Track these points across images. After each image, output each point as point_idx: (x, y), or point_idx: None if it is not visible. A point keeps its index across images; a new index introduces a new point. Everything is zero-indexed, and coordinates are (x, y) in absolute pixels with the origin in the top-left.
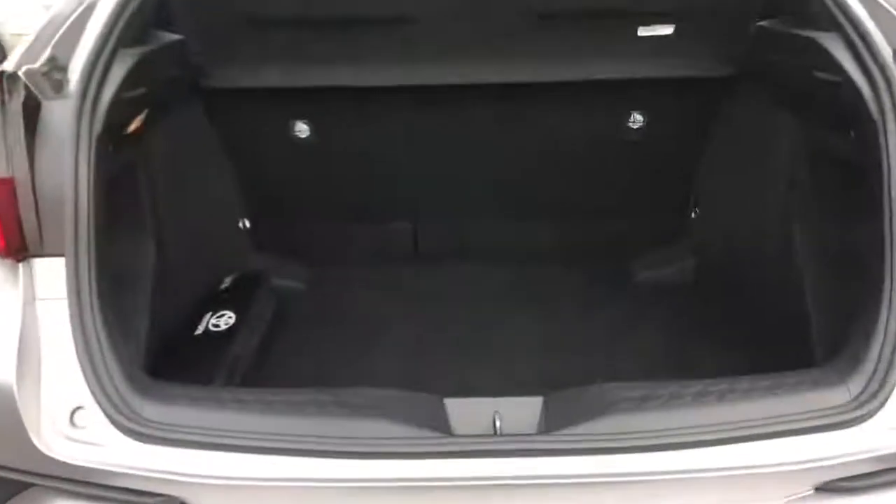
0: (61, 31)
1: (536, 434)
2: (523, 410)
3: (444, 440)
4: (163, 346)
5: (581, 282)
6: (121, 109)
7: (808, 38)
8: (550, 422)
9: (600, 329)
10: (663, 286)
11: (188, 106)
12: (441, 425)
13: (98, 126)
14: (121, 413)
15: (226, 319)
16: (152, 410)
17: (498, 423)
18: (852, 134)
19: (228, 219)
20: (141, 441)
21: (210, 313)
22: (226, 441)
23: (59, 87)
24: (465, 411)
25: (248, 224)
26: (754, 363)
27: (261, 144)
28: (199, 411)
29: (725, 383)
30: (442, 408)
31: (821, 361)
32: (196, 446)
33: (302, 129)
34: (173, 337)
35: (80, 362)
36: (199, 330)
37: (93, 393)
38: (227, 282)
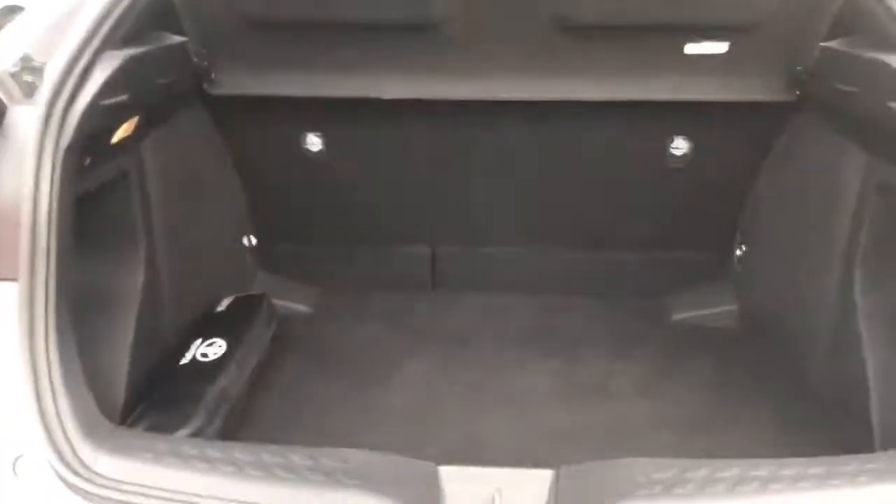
0: (41, 29)
1: None
2: (530, 488)
3: None
4: (145, 376)
5: (611, 320)
6: (102, 116)
7: (883, 64)
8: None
9: (629, 378)
10: (701, 330)
11: (191, 113)
12: (431, 501)
13: (68, 135)
14: (67, 466)
15: (216, 348)
16: (106, 464)
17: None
18: None
19: (232, 235)
20: (87, 500)
21: (200, 340)
22: None
23: (29, 90)
24: (461, 486)
25: (254, 241)
26: (801, 434)
27: (270, 157)
28: (157, 468)
29: (770, 467)
30: (435, 479)
31: (882, 444)
32: None
33: (314, 143)
34: (157, 366)
35: (27, 403)
36: (186, 359)
37: (38, 440)
38: (224, 304)
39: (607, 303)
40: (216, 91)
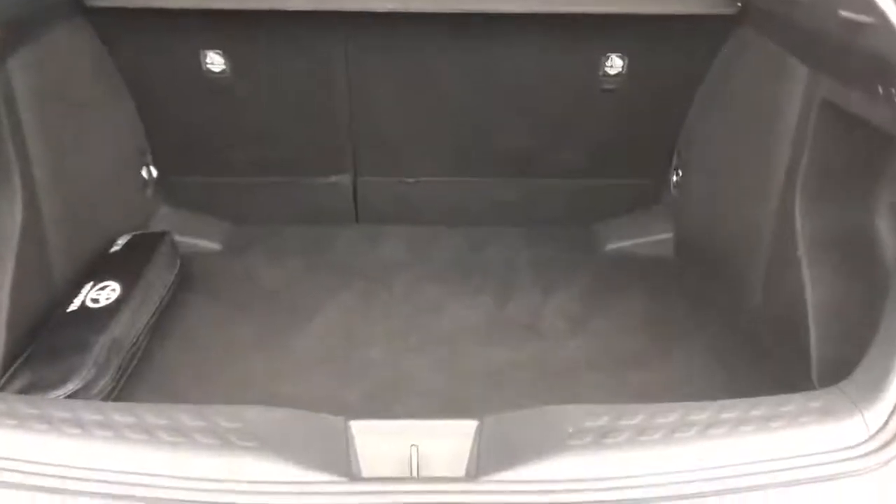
0: None
1: (463, 479)
2: (450, 441)
3: (339, 486)
4: (28, 325)
5: (542, 251)
6: None
7: None
8: (484, 459)
9: (560, 314)
10: (635, 260)
11: (70, 27)
12: (340, 462)
13: None
14: None
15: (108, 292)
16: None
17: (415, 461)
18: (881, 90)
19: (129, 166)
20: None
21: (91, 284)
22: (42, 482)
23: None
24: (374, 442)
25: (154, 173)
26: (738, 368)
27: (167, 78)
28: (20, 435)
29: (708, 411)
30: (345, 436)
31: (820, 372)
32: (2, 486)
33: (215, 62)
34: (42, 314)
35: None
36: (74, 305)
37: None
38: (120, 244)
39: (538, 233)
40: (96, 3)
